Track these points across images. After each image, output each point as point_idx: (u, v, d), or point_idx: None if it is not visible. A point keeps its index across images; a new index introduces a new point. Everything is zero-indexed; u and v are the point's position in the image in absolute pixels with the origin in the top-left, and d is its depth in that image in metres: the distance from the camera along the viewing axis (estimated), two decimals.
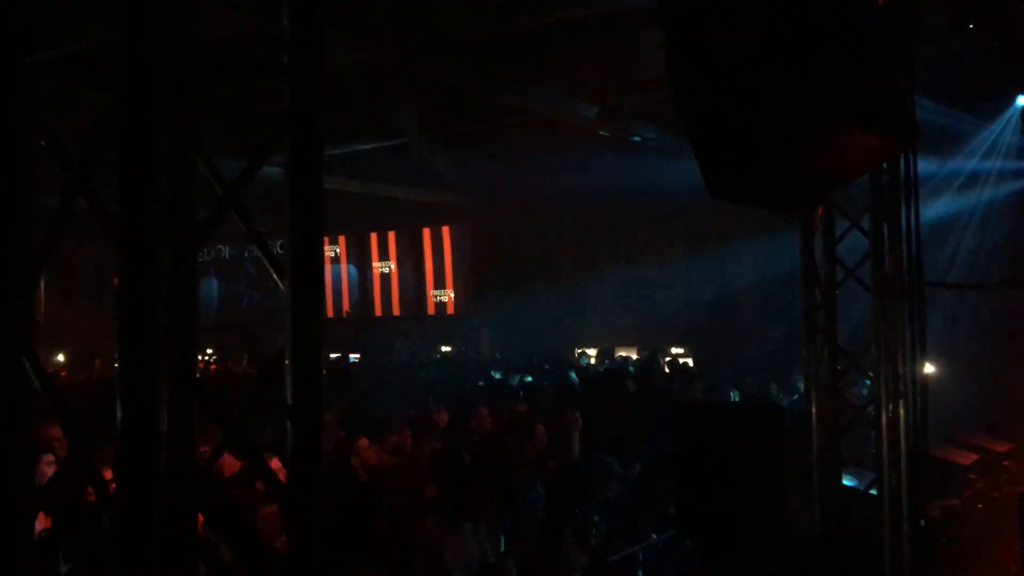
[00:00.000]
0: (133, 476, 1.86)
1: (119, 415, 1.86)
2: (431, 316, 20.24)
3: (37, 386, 2.09)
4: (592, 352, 17.55)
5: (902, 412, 5.72)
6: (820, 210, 6.02)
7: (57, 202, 2.07)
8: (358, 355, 18.39)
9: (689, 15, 4.77)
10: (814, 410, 6.00)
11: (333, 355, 18.85)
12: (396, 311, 20.84)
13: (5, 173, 2.14)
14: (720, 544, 5.14)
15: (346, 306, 21.45)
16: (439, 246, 20.16)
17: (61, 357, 18.90)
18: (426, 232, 20.25)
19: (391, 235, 20.79)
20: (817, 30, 4.45)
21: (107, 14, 1.94)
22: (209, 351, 21.31)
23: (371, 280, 21.16)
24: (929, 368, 12.55)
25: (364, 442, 7.79)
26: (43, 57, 2.13)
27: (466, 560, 5.84)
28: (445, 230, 20.02)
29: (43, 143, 2.26)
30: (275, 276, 2.28)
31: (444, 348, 19.23)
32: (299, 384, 2.23)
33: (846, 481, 6.38)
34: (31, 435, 2.16)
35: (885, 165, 5.61)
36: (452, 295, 20.03)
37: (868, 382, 6.51)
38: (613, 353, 17.03)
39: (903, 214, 5.47)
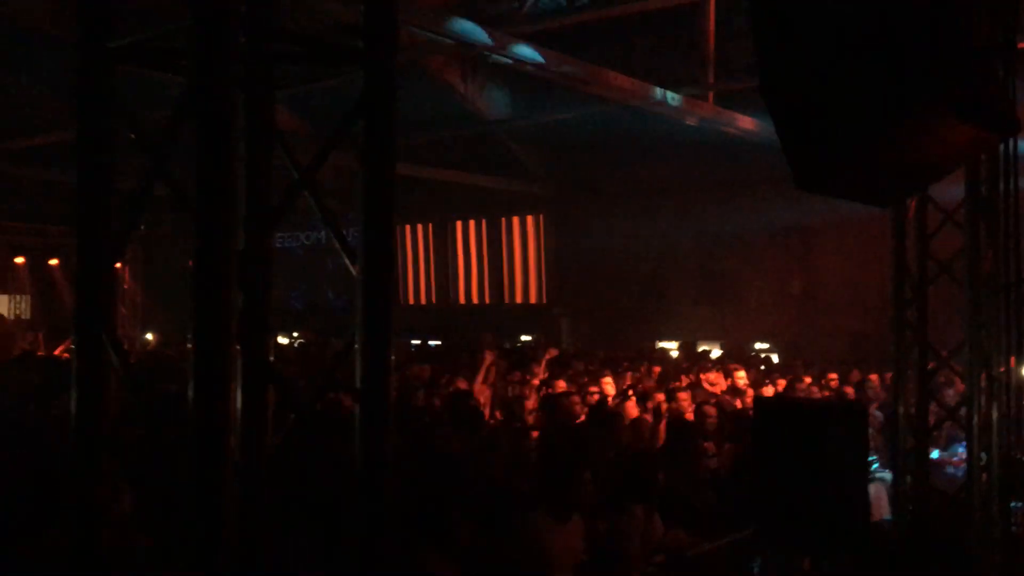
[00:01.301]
0: (203, 458, 1.89)
1: (191, 397, 1.90)
2: (511, 305, 20.28)
3: (116, 363, 2.15)
4: (673, 345, 17.36)
5: (995, 414, 5.50)
6: (913, 203, 5.81)
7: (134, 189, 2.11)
8: (439, 341, 18.57)
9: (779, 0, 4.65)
10: (901, 410, 5.80)
11: (415, 341, 19.07)
12: (477, 299, 20.96)
13: (91, 159, 2.19)
14: (801, 545, 5.03)
15: (431, 293, 21.69)
16: (521, 235, 20.17)
17: (150, 336, 19.59)
18: (508, 221, 20.29)
19: (473, 223, 20.90)
20: (913, 16, 4.29)
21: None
22: (295, 334, 21.80)
23: (453, 268, 21.31)
24: None
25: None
26: (126, 43, 2.18)
27: (570, 556, 5.72)
28: (527, 219, 20.03)
29: (130, 133, 2.31)
30: (347, 261, 2.29)
31: (524, 337, 19.26)
32: (368, 368, 2.24)
33: None
34: (110, 409, 2.22)
35: (983, 156, 5.39)
36: (533, 284, 20.05)
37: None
38: (695, 347, 16.81)
39: (1001, 208, 5.23)
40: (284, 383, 2.18)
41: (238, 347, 2.20)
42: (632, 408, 9.08)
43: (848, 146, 4.49)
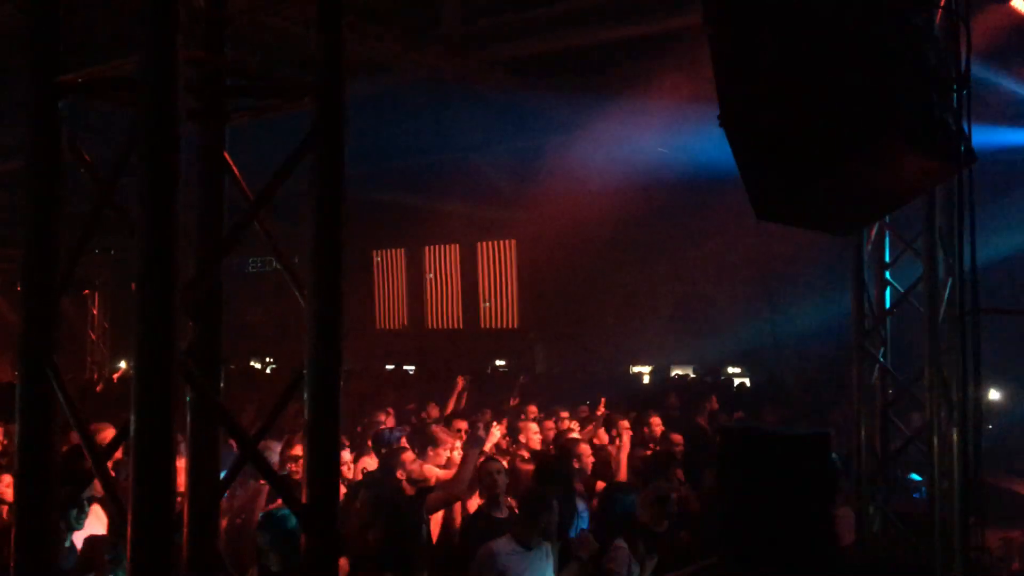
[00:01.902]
0: (147, 486, 1.89)
1: (132, 431, 1.90)
2: (485, 330, 20.28)
3: (59, 396, 2.15)
4: (646, 369, 17.42)
5: (955, 440, 5.55)
6: (872, 232, 5.90)
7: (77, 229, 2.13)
8: (413, 367, 18.53)
9: (738, 32, 4.73)
10: (863, 436, 5.86)
11: (389, 366, 19.03)
12: (451, 324, 20.96)
13: (39, 191, 2.20)
14: (768, 571, 5.05)
15: (404, 319, 21.67)
16: (494, 260, 20.22)
17: (123, 364, 19.41)
18: (481, 246, 20.34)
19: (447, 248, 20.94)
20: (871, 51, 4.38)
21: (138, 34, 1.98)
22: (269, 359, 21.68)
23: (427, 293, 21.33)
24: (995, 396, 12.15)
25: (410, 455, 7.80)
26: (75, 76, 2.19)
27: None
28: (500, 244, 20.08)
29: (79, 167, 2.32)
30: (296, 292, 2.30)
31: (498, 362, 19.25)
32: (317, 400, 2.25)
33: None
34: (54, 440, 2.22)
35: (941, 185, 5.48)
36: (506, 309, 20.07)
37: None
38: (668, 371, 16.87)
39: (958, 236, 5.32)
40: (232, 423, 2.18)
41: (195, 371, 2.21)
42: (602, 435, 9.09)
43: (806, 177, 4.55)
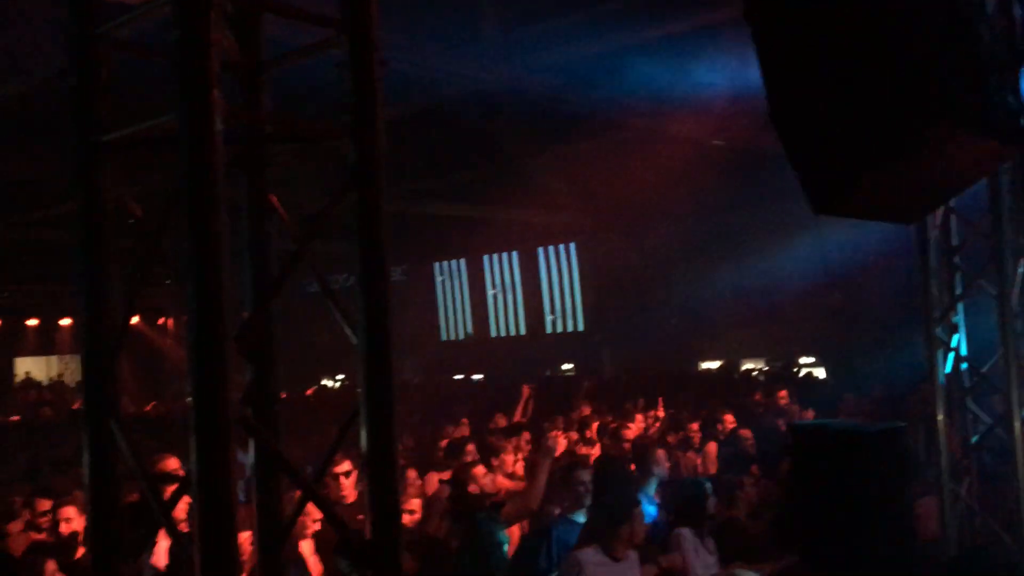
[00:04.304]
0: (211, 540, 1.92)
1: (195, 478, 1.93)
2: (549, 335, 20.26)
3: (123, 447, 2.20)
4: (715, 365, 17.21)
5: None
6: (937, 216, 5.73)
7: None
8: (480, 375, 18.62)
9: (782, 24, 4.63)
10: (941, 425, 5.70)
11: (457, 376, 19.15)
12: (514, 331, 20.99)
13: (90, 249, 2.26)
14: (846, 570, 4.95)
15: (468, 328, 21.77)
16: (555, 265, 20.20)
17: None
18: (541, 251, 20.34)
19: (507, 256, 20.98)
20: (920, 35, 4.26)
21: (174, 92, 2.03)
22: (340, 376, 21.96)
23: (489, 302, 21.39)
24: None
25: (481, 469, 7.81)
26: (118, 136, 2.25)
27: None
28: (561, 248, 20.06)
29: (129, 219, 2.38)
30: (347, 330, 2.32)
31: (565, 366, 19.21)
32: (373, 437, 2.26)
33: None
34: (119, 491, 2.27)
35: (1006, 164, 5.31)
36: (570, 313, 20.03)
37: None
38: (738, 366, 16.64)
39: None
40: (292, 470, 2.21)
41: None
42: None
43: (861, 169, 4.44)
